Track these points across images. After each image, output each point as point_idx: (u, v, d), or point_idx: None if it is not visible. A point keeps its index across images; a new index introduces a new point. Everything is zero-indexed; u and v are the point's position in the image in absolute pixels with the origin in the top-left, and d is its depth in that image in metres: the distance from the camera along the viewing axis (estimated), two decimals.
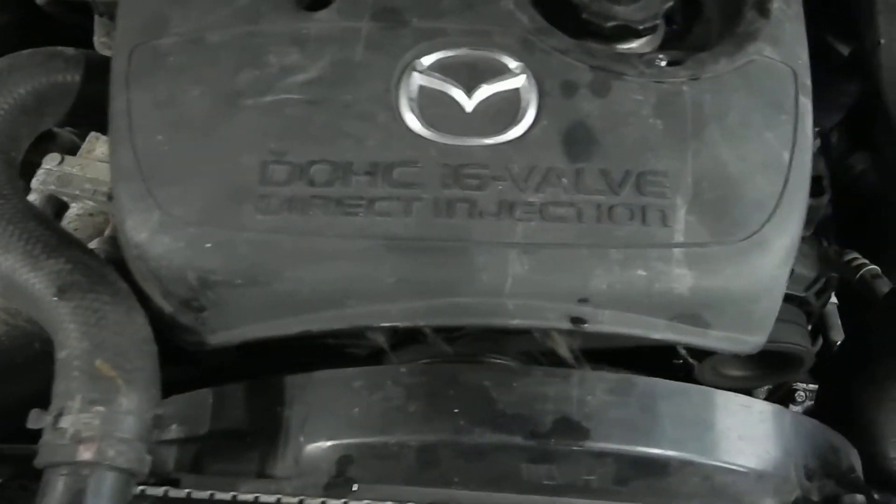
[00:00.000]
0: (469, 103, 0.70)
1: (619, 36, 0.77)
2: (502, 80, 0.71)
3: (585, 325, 0.67)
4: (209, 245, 0.65)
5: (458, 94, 0.70)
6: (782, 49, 0.76)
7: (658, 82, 0.72)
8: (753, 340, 0.74)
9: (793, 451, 0.74)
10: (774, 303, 0.72)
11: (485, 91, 0.70)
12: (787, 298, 1.03)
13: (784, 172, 0.70)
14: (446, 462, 0.67)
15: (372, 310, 0.66)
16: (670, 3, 0.77)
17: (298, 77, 0.69)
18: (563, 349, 0.69)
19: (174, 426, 0.72)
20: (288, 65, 0.70)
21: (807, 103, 0.75)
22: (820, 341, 1.18)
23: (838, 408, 1.10)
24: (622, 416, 0.68)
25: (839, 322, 1.15)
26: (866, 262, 1.14)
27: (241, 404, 0.72)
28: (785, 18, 0.78)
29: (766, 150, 0.71)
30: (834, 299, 1.15)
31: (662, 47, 0.80)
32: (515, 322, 0.66)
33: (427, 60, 0.71)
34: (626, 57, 0.73)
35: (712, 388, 0.72)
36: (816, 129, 0.98)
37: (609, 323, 0.67)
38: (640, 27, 0.76)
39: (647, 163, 0.69)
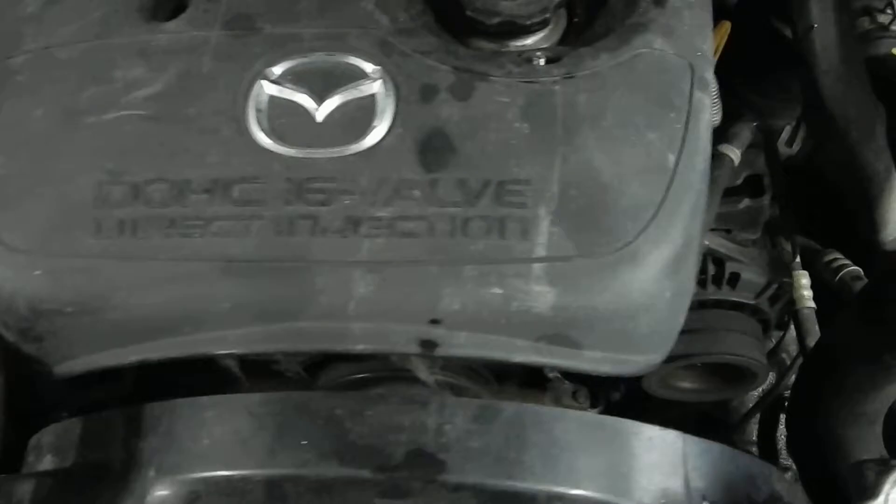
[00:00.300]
0: (320, 112, 0.65)
1: (506, 33, 0.71)
2: (357, 86, 0.66)
3: (438, 349, 0.62)
4: (38, 273, 0.62)
5: (308, 103, 0.66)
6: (678, 40, 0.70)
7: (527, 82, 0.66)
8: (644, 360, 0.68)
9: (690, 481, 0.67)
10: (660, 319, 0.65)
11: (338, 99, 0.66)
12: (738, 307, 0.97)
13: (667, 176, 0.64)
14: (294, 498, 0.62)
15: (209, 337, 0.62)
16: None
17: (142, 92, 0.66)
18: (423, 373, 0.65)
19: (48, 457, 0.70)
20: (133, 79, 0.67)
21: (703, 99, 0.68)
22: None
23: (808, 420, 1.03)
24: (484, 446, 0.62)
25: (817, 328, 1.08)
26: (848, 262, 1.07)
27: (102, 435, 0.69)
28: (685, 6, 0.72)
29: (648, 153, 0.65)
30: (811, 303, 1.08)
31: (563, 42, 0.74)
32: (360, 347, 0.62)
33: (278, 69, 0.67)
34: (494, 56, 0.68)
35: (593, 414, 0.67)
36: (755, 125, 0.92)
37: (464, 346, 0.62)
38: (528, 23, 0.71)
39: (509, 171, 0.63)
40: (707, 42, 0.72)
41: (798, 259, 1.05)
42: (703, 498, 0.68)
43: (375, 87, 0.66)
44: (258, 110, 0.65)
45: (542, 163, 0.63)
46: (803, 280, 1.05)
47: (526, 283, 0.61)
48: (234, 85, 0.66)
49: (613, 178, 0.63)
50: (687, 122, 0.67)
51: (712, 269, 0.95)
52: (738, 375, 0.98)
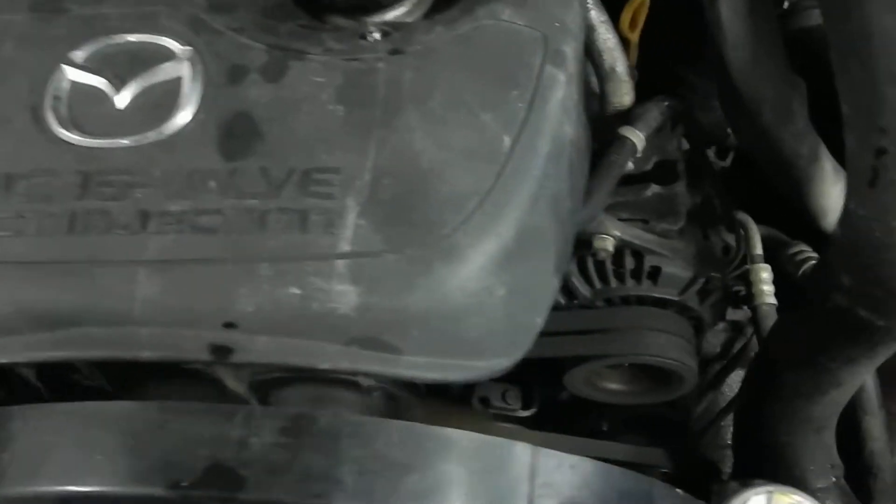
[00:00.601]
0: (121, 98, 0.60)
1: (360, 7, 0.65)
2: (164, 68, 0.60)
3: (233, 356, 0.56)
4: None
5: (109, 88, 0.61)
6: (531, 10, 0.63)
7: (348, 60, 0.60)
8: (485, 365, 0.61)
9: (535, 499, 0.60)
10: (494, 321, 0.58)
11: (141, 83, 0.60)
12: (662, 303, 0.90)
13: (500, 162, 0.57)
14: None
15: None
16: None
17: None
18: (230, 381, 0.59)
19: None
20: None
21: (558, 75, 0.61)
22: None
23: (752, 425, 0.95)
24: (290, 460, 0.57)
25: None
26: (813, 255, 0.98)
27: None
28: None
29: (479, 136, 0.58)
30: (772, 299, 0.99)
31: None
32: (147, 354, 0.56)
33: (83, 52, 0.61)
34: (314, 33, 0.62)
35: (423, 426, 0.60)
36: (666, 104, 0.84)
37: (264, 352, 0.56)
38: None
39: (317, 158, 0.57)
40: (571, 12, 0.65)
41: (759, 251, 0.97)
42: None
43: (182, 68, 0.60)
44: (56, 98, 0.60)
45: (354, 149, 0.57)
46: (763, 274, 0.96)
47: (327, 281, 0.54)
48: (34, 71, 0.61)
49: (435, 164, 0.57)
50: (532, 101, 0.59)
51: (631, 262, 0.87)
52: (664, 377, 0.91)
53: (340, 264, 0.55)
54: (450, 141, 0.58)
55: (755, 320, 1.02)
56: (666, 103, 0.83)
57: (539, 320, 0.63)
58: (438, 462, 0.59)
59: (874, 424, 0.96)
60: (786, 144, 0.78)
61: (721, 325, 1.05)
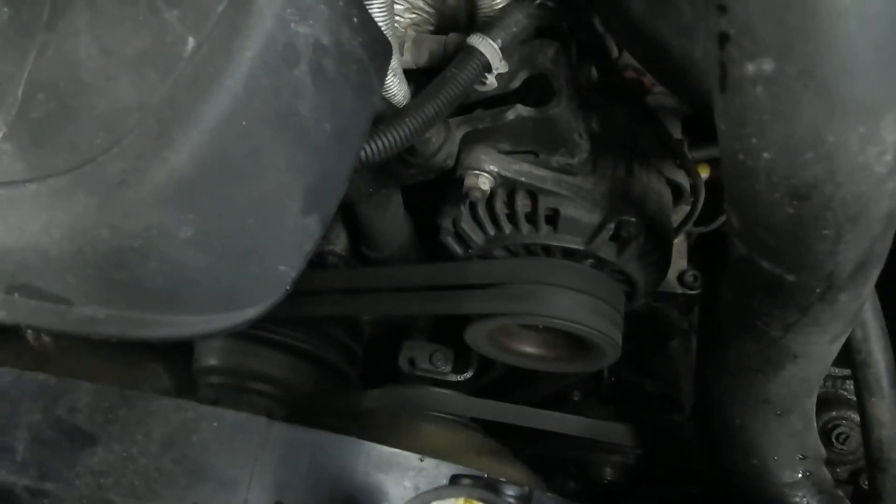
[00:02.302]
0: None
1: None
2: None
3: None
4: None
5: None
6: None
7: None
8: (194, 321, 0.50)
9: (256, 476, 0.50)
10: (181, 267, 0.48)
11: None
12: (569, 254, 0.75)
13: (176, 67, 0.46)
14: None
15: None
16: None
17: None
18: None
19: None
20: None
21: None
22: None
23: (705, 405, 0.80)
24: None
25: None
26: None
27: None
28: None
29: (156, 37, 0.47)
30: None
31: None
32: None
33: None
34: None
35: (132, 392, 0.51)
36: (536, 3, 0.68)
37: None
38: None
39: None
40: None
41: None
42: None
43: None
44: None
45: (14, 59, 0.48)
46: None
47: None
48: None
49: (96, 73, 0.47)
50: None
51: (525, 204, 0.73)
52: (580, 344, 0.76)
53: None
54: (119, 45, 0.47)
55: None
56: (537, 1, 0.66)
57: (284, 268, 0.52)
58: (133, 435, 0.50)
59: (882, 408, 0.77)
60: (671, 44, 0.60)
61: None
